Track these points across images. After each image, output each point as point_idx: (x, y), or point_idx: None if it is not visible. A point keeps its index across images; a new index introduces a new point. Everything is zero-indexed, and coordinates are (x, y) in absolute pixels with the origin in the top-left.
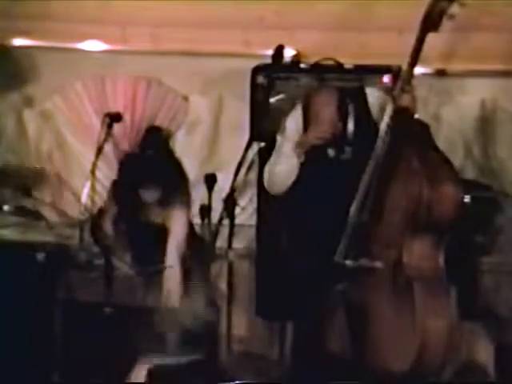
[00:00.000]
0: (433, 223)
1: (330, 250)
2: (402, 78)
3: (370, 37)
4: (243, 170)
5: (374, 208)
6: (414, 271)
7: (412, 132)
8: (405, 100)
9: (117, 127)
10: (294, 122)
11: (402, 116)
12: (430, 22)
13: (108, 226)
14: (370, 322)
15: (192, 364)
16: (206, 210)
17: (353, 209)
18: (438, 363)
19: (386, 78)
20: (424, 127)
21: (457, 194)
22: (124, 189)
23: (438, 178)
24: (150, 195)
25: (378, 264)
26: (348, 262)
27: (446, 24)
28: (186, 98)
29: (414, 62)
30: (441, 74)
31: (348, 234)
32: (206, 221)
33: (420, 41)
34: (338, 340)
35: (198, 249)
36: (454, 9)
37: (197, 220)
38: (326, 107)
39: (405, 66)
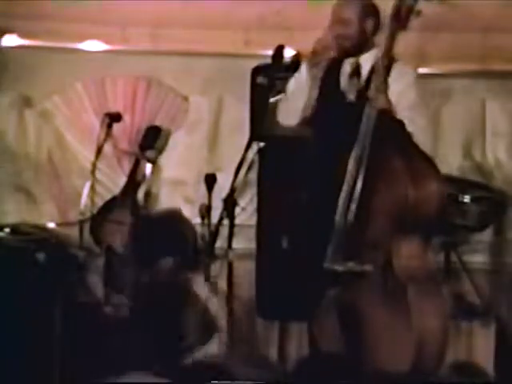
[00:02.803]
0: (419, 223)
1: (323, 253)
2: (375, 78)
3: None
4: (243, 170)
5: (359, 211)
6: (403, 272)
7: (391, 131)
8: (381, 100)
9: (117, 127)
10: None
11: (381, 116)
12: (399, 19)
13: None
14: (364, 324)
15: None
16: (205, 210)
17: (338, 213)
18: (434, 363)
19: None
20: (400, 125)
21: (441, 191)
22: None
23: (422, 177)
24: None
25: (368, 267)
26: (337, 267)
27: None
28: (186, 98)
29: (386, 61)
30: None
31: (335, 239)
32: (205, 221)
33: (390, 39)
34: (334, 342)
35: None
36: (421, 5)
37: (197, 220)
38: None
39: (377, 66)
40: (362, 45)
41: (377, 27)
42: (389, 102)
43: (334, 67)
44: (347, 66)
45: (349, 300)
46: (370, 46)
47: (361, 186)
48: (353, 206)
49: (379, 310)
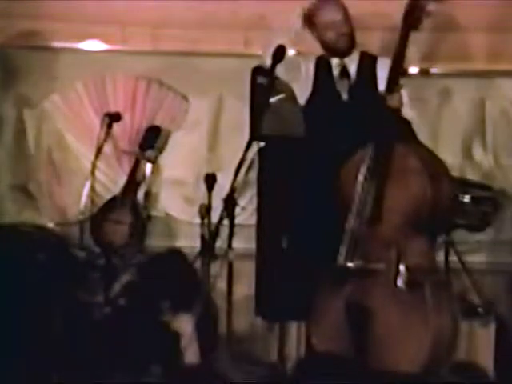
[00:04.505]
0: (432, 221)
1: (332, 251)
2: (388, 78)
3: (371, 36)
4: (243, 170)
5: (372, 209)
6: (416, 270)
7: (402, 130)
8: (394, 100)
9: (117, 127)
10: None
11: (392, 115)
12: (411, 19)
13: None
14: (374, 323)
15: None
16: (205, 210)
17: (352, 211)
18: (444, 362)
19: None
20: (407, 124)
21: (451, 190)
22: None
23: (438, 176)
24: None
25: (380, 265)
26: (350, 264)
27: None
28: (185, 98)
29: (398, 62)
30: (424, 73)
31: (348, 237)
32: (205, 221)
33: (403, 39)
34: (342, 342)
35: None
36: (431, 6)
37: (197, 220)
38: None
39: (390, 66)
40: (353, 43)
41: None
42: (401, 101)
43: (324, 67)
44: (334, 68)
45: (359, 299)
46: (354, 45)
47: (375, 185)
48: (367, 205)
49: (390, 309)
